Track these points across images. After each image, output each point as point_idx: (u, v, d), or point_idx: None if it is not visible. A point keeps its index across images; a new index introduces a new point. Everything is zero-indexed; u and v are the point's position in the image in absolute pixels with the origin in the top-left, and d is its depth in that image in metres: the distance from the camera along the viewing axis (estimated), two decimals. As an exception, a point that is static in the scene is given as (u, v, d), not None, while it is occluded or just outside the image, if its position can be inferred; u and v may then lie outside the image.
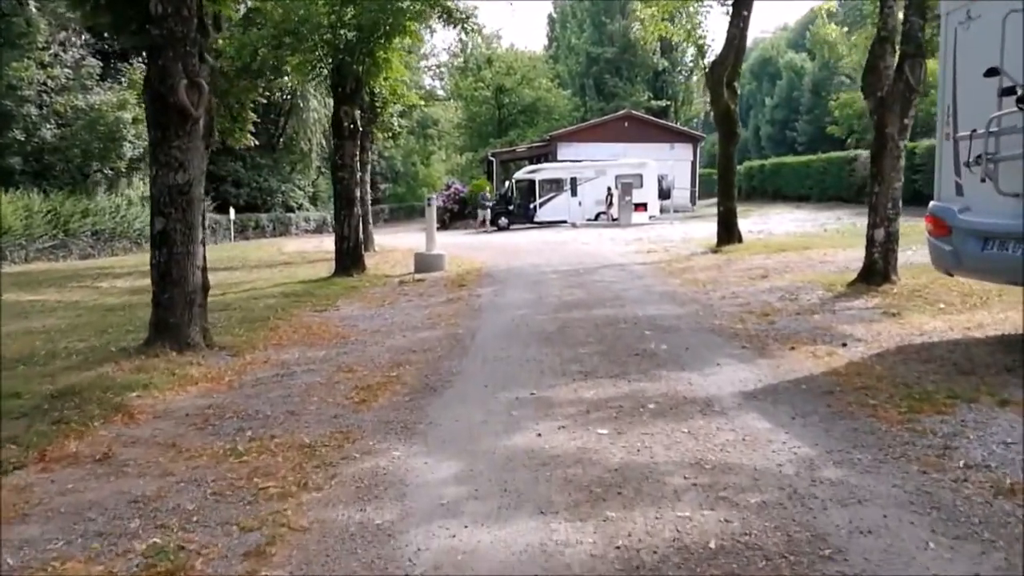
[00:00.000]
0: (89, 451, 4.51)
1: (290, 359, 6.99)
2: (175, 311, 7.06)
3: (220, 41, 13.05)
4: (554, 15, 62.87)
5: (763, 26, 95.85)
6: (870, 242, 9.12)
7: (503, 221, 30.75)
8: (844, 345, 6.35)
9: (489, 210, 31.16)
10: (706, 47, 19.52)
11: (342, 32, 13.98)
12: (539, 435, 4.45)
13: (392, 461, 4.14)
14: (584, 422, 4.66)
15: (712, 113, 18.31)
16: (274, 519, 3.43)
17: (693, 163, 39.54)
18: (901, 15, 9.24)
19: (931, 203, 6.35)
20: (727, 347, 6.65)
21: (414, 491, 3.71)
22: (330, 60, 14.87)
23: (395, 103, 21.37)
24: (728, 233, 16.08)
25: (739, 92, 16.91)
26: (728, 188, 16.42)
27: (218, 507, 3.60)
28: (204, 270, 7.45)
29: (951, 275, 6.59)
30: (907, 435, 4.11)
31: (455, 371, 6.25)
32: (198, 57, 7.10)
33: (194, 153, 7.11)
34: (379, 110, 21.05)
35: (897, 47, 9.10)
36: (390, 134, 26.86)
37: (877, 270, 8.99)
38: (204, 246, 7.43)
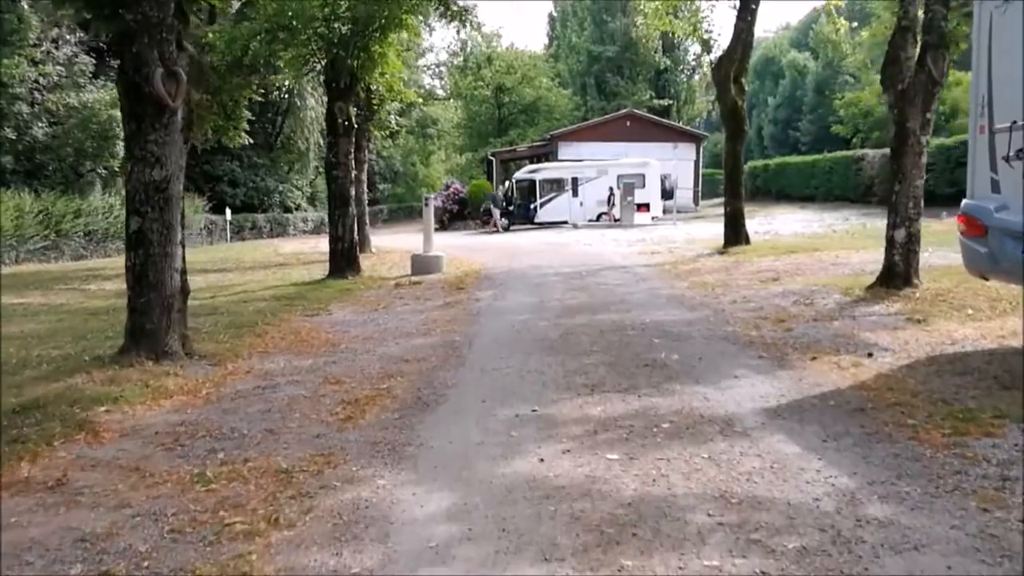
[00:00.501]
0: (43, 476, 4.08)
1: (275, 369, 6.55)
2: (152, 317, 6.60)
3: (210, 35, 12.58)
4: (554, 14, 62.25)
5: (765, 25, 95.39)
6: (890, 243, 8.65)
7: (503, 222, 30.23)
8: (870, 355, 5.88)
9: (499, 211, 30.33)
10: (712, 42, 19.03)
11: (336, 25, 13.54)
12: (542, 460, 3.99)
13: (376, 492, 3.68)
14: (591, 444, 4.20)
15: (719, 110, 17.84)
16: (235, 565, 2.98)
17: (696, 163, 39.06)
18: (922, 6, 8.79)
19: (964, 201, 5.90)
20: (743, 357, 6.19)
21: (399, 530, 3.25)
22: (324, 55, 14.42)
23: (392, 100, 20.86)
24: (735, 234, 15.58)
25: (745, 89, 16.43)
26: (735, 187, 15.93)
27: (175, 548, 3.16)
28: (183, 273, 7.01)
29: (986, 279, 6.14)
30: (957, 462, 3.65)
31: (450, 383, 5.79)
32: (176, 44, 6.64)
33: (172, 147, 6.65)
34: (376, 107, 20.56)
35: (918, 38, 8.64)
36: (388, 133, 26.35)
37: (898, 273, 8.52)
38: (183, 247, 6.98)
